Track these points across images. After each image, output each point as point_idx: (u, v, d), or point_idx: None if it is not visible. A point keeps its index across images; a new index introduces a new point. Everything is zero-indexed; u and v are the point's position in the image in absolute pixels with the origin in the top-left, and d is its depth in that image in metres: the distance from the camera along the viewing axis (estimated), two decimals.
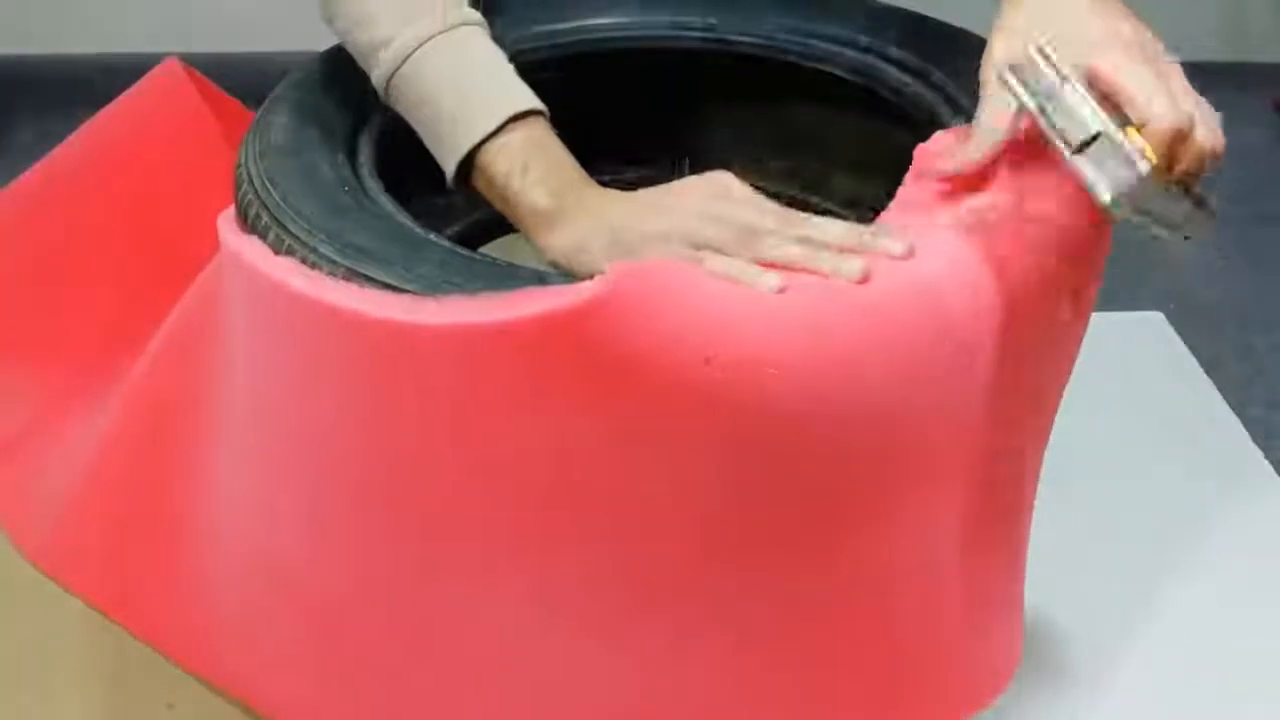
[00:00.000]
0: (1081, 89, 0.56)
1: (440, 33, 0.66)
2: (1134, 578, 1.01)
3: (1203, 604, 0.98)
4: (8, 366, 1.02)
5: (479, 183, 0.66)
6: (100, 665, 0.86)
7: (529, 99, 0.66)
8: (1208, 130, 0.58)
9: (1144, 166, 0.54)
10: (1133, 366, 1.26)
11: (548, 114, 0.67)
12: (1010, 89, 0.57)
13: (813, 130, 0.93)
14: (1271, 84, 1.86)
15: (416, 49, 0.66)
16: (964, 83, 0.76)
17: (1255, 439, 1.17)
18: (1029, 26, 0.61)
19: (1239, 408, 1.21)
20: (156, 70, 1.01)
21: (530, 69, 0.80)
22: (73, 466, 0.91)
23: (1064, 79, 0.56)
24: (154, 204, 1.00)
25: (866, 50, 0.84)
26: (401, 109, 0.68)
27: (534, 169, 0.64)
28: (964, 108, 0.75)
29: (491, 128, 0.64)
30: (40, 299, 1.03)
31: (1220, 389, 1.24)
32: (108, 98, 1.03)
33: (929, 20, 0.85)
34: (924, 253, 0.56)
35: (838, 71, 0.85)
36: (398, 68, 0.66)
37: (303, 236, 0.61)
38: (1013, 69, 0.57)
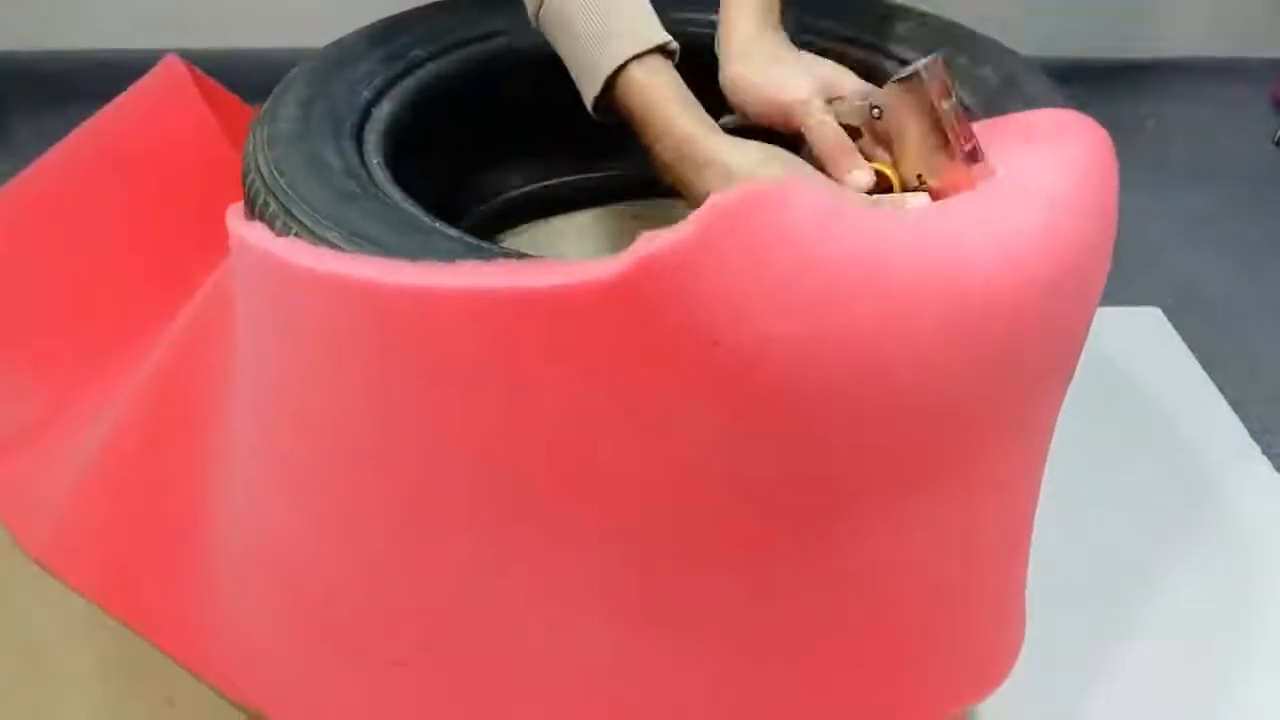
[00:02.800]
0: None
1: None
2: (1132, 574, 1.01)
3: (1201, 601, 0.99)
4: (8, 366, 1.02)
5: (621, 103, 0.68)
6: (101, 662, 0.86)
7: (662, 34, 0.68)
8: None
9: None
10: (1131, 362, 1.26)
11: (678, 52, 0.70)
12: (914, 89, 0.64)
13: None
14: (1270, 79, 1.86)
15: None
16: (968, 82, 0.77)
17: (1254, 435, 1.17)
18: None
19: (1238, 404, 1.22)
20: (158, 67, 1.01)
21: (538, 66, 0.80)
22: (76, 465, 0.90)
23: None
24: (154, 202, 1.00)
25: (870, 48, 0.84)
26: (549, 37, 0.71)
27: (670, 89, 0.67)
28: (968, 107, 0.75)
29: (630, 54, 0.67)
30: (40, 298, 1.03)
31: (1219, 385, 1.24)
32: (106, 95, 1.03)
33: (932, 18, 0.85)
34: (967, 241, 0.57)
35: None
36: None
37: (310, 224, 0.61)
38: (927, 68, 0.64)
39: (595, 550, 0.60)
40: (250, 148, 0.69)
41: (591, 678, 0.66)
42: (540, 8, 0.70)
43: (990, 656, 0.78)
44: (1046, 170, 0.62)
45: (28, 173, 1.05)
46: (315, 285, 0.58)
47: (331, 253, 0.59)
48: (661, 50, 0.68)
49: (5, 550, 0.93)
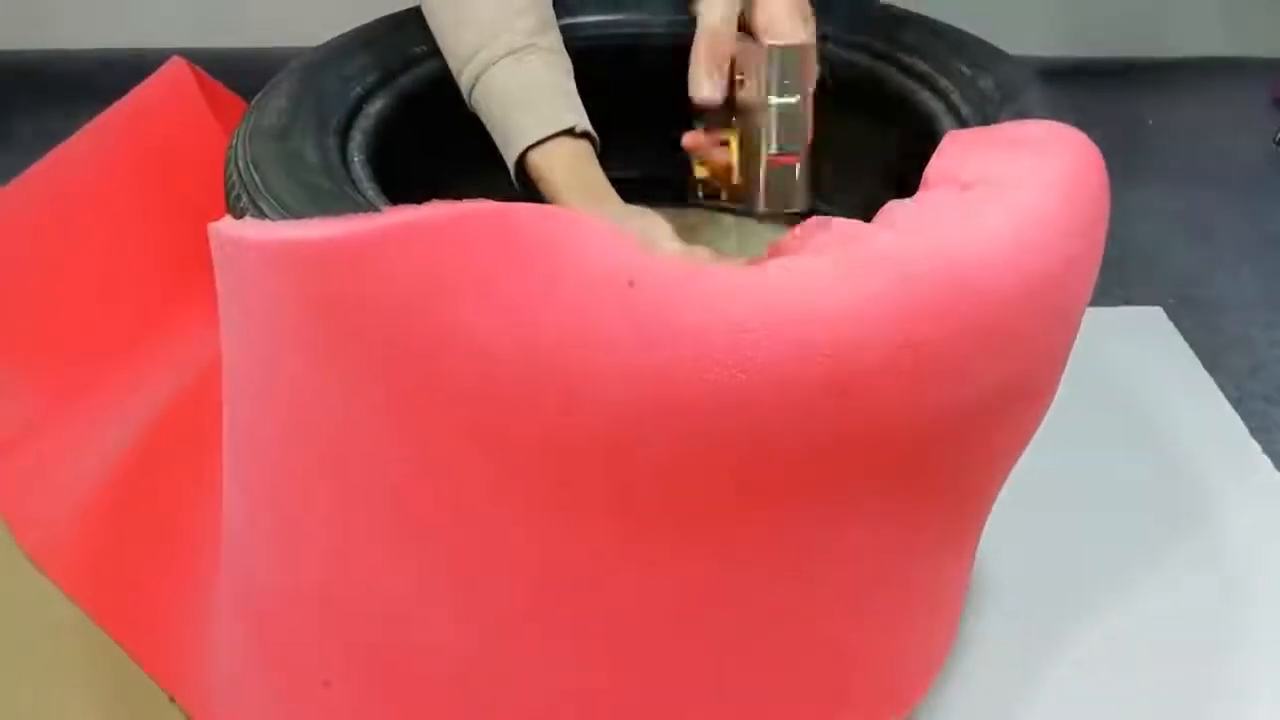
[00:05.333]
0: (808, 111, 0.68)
1: (510, 54, 0.76)
2: (1132, 573, 1.01)
3: (1202, 599, 0.98)
4: (8, 366, 1.02)
5: (532, 180, 0.76)
6: (101, 662, 0.86)
7: (572, 119, 0.76)
8: None
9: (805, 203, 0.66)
10: (1132, 361, 1.26)
11: (588, 132, 0.77)
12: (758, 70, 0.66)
13: (816, 136, 0.93)
14: (1270, 79, 1.86)
15: (490, 66, 0.76)
16: (968, 92, 0.77)
17: (1255, 434, 1.17)
18: None
19: (1238, 402, 1.22)
20: (162, 69, 1.01)
21: None
22: (84, 471, 0.91)
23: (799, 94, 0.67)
24: (156, 204, 1.00)
25: (875, 55, 0.84)
26: (481, 116, 0.78)
27: (560, 172, 0.75)
28: (965, 117, 0.75)
29: (538, 138, 0.75)
30: (41, 298, 1.03)
31: (1220, 384, 1.24)
32: (109, 93, 1.03)
33: (938, 25, 0.84)
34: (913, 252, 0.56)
35: (851, 77, 0.85)
36: (475, 83, 0.77)
37: (275, 219, 0.60)
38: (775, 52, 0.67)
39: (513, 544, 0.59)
40: (233, 142, 0.69)
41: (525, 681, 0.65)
42: (471, 94, 0.78)
43: (911, 672, 0.78)
44: (1023, 182, 0.62)
45: (30, 172, 1.05)
46: (246, 253, 0.57)
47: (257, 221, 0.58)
48: (567, 132, 0.75)
49: (5, 550, 0.93)
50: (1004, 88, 0.75)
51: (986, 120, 0.72)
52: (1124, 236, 1.32)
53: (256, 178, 0.64)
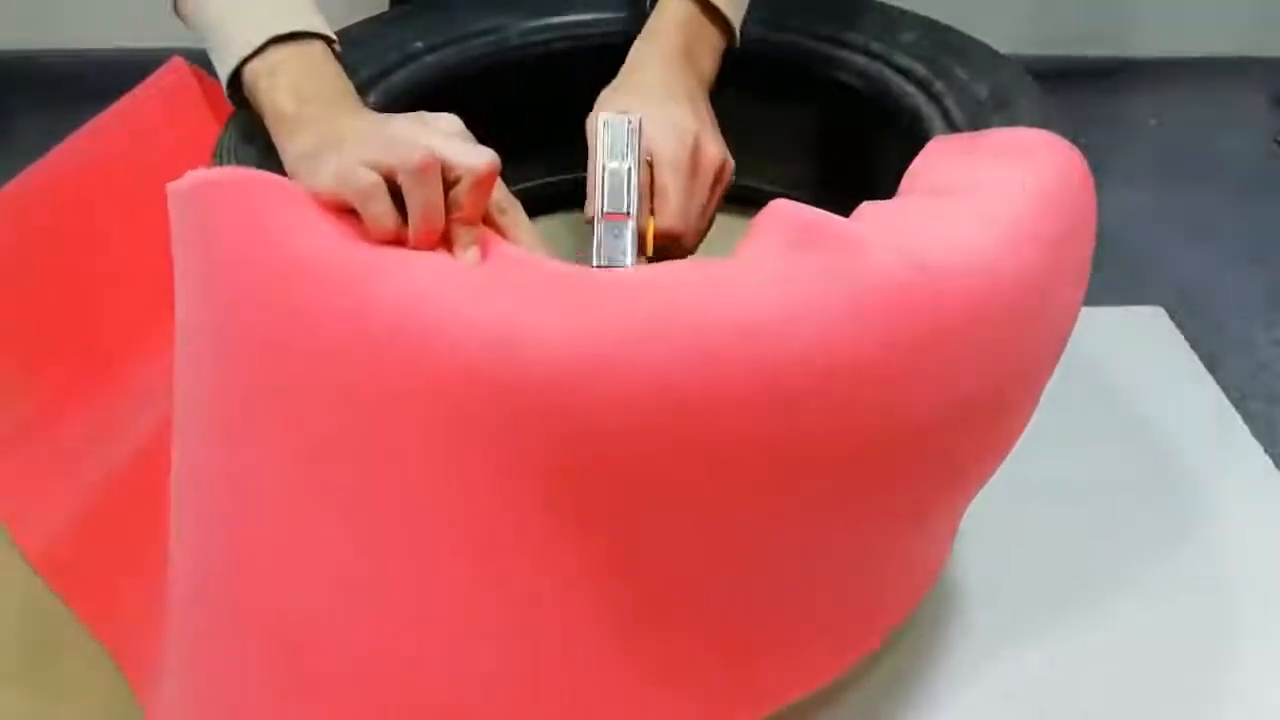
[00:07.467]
0: (635, 177, 0.66)
1: None
2: (1132, 574, 1.01)
3: (1202, 601, 0.98)
4: (8, 366, 1.02)
5: (249, 99, 0.66)
6: (101, 662, 0.86)
7: (297, 21, 0.65)
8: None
9: (630, 260, 0.65)
10: (1133, 361, 1.26)
11: (329, 36, 0.66)
12: (596, 138, 0.66)
13: (809, 136, 0.93)
14: (1271, 78, 1.86)
15: None
16: (962, 97, 0.76)
17: (1256, 434, 1.17)
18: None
19: (1240, 403, 1.21)
20: (162, 69, 1.01)
21: (535, 64, 0.80)
22: (83, 469, 0.90)
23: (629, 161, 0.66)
24: (157, 204, 1.00)
25: (871, 55, 0.84)
26: (192, 28, 0.68)
27: (285, 76, 0.64)
28: (956, 121, 0.74)
29: (254, 46, 0.64)
30: (40, 299, 1.03)
31: (1221, 384, 1.24)
32: (108, 94, 1.03)
33: (936, 26, 0.84)
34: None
35: (846, 78, 0.85)
36: None
37: None
38: (607, 124, 0.66)
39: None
40: (221, 139, 0.69)
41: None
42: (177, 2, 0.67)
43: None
44: (1000, 190, 0.61)
45: (29, 172, 1.05)
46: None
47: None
48: (291, 38, 0.64)
49: (5, 550, 0.93)
50: (998, 93, 0.75)
51: (977, 126, 0.72)
52: (1124, 236, 1.32)
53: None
